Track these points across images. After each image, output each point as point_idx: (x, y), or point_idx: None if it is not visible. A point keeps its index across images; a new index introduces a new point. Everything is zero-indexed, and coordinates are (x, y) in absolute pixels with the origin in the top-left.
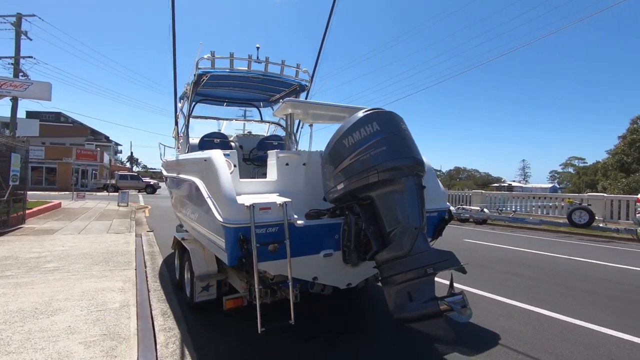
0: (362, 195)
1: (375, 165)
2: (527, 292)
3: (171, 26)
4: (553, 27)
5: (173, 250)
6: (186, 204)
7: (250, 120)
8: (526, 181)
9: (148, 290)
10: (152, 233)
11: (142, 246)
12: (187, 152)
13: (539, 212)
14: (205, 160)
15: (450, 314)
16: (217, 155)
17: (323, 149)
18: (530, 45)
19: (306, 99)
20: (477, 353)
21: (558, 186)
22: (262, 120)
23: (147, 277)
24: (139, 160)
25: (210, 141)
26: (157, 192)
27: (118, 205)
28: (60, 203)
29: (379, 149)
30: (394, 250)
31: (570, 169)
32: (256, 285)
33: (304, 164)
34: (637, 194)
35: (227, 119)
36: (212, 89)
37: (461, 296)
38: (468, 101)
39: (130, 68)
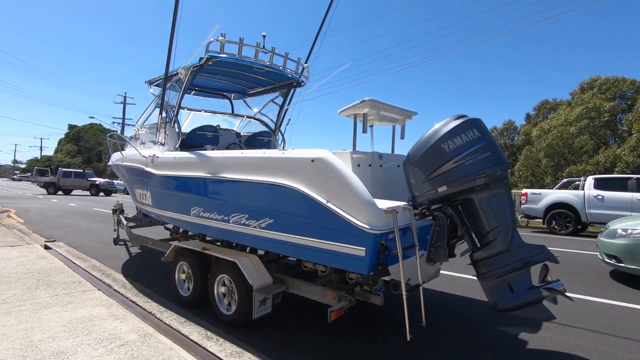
0: (460, 197)
1: (484, 169)
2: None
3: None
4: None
5: (168, 262)
6: (232, 209)
7: (232, 114)
8: None
9: (150, 313)
10: (62, 243)
11: (72, 261)
12: (178, 148)
13: None
14: (312, 161)
15: (548, 299)
16: (330, 156)
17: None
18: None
19: (292, 95)
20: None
21: None
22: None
23: (128, 298)
24: None
25: (203, 135)
26: (111, 195)
27: None
28: None
29: (484, 154)
30: (496, 247)
31: None
32: (404, 291)
33: (369, 165)
34: None
35: (221, 113)
36: (198, 75)
37: (560, 282)
38: None
39: None
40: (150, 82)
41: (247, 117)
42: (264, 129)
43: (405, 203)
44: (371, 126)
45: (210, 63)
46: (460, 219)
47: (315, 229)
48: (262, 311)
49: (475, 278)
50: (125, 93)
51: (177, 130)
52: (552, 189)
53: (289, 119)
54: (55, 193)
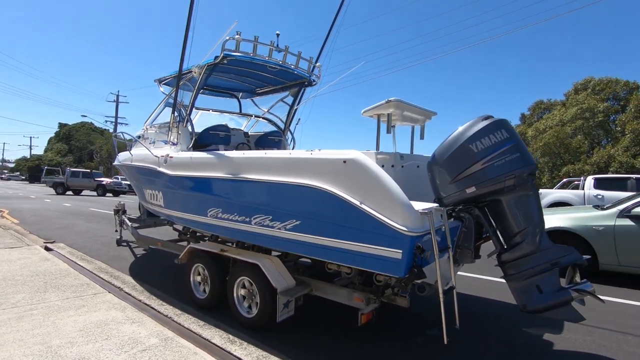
0: (487, 198)
1: (513, 170)
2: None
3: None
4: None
5: (182, 264)
6: (255, 210)
7: (241, 114)
8: None
9: (167, 316)
10: (62, 245)
11: (77, 262)
12: (191, 147)
13: None
14: (344, 161)
15: (577, 300)
16: (363, 156)
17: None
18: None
19: (303, 95)
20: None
21: None
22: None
23: (142, 301)
24: None
25: (216, 135)
26: (119, 196)
27: None
28: None
29: (513, 155)
30: (525, 249)
31: None
32: (440, 293)
33: (392, 166)
34: None
35: (230, 112)
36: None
37: (589, 283)
38: None
39: None
40: (160, 81)
41: (256, 116)
42: (272, 128)
43: (437, 204)
44: (393, 126)
45: (225, 61)
46: (487, 220)
47: (347, 231)
48: (285, 314)
49: (491, 279)
50: (118, 91)
51: (190, 129)
52: (549, 188)
53: (299, 119)
54: (64, 193)
